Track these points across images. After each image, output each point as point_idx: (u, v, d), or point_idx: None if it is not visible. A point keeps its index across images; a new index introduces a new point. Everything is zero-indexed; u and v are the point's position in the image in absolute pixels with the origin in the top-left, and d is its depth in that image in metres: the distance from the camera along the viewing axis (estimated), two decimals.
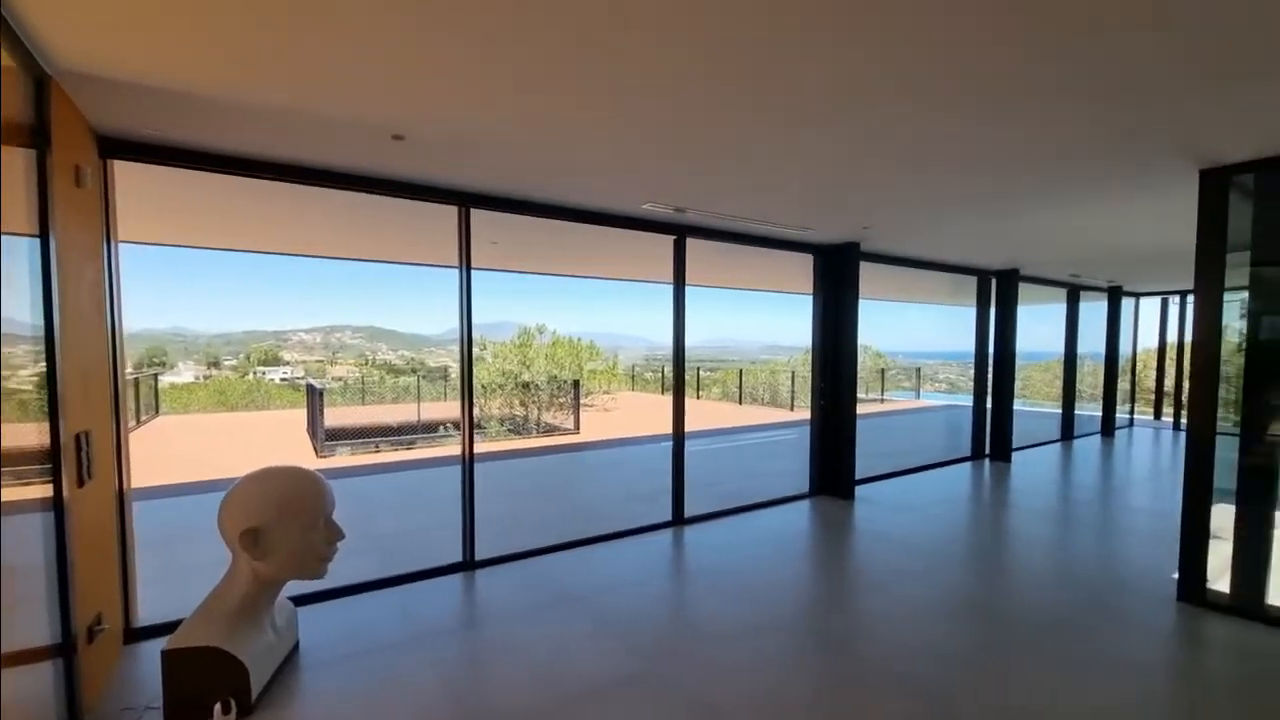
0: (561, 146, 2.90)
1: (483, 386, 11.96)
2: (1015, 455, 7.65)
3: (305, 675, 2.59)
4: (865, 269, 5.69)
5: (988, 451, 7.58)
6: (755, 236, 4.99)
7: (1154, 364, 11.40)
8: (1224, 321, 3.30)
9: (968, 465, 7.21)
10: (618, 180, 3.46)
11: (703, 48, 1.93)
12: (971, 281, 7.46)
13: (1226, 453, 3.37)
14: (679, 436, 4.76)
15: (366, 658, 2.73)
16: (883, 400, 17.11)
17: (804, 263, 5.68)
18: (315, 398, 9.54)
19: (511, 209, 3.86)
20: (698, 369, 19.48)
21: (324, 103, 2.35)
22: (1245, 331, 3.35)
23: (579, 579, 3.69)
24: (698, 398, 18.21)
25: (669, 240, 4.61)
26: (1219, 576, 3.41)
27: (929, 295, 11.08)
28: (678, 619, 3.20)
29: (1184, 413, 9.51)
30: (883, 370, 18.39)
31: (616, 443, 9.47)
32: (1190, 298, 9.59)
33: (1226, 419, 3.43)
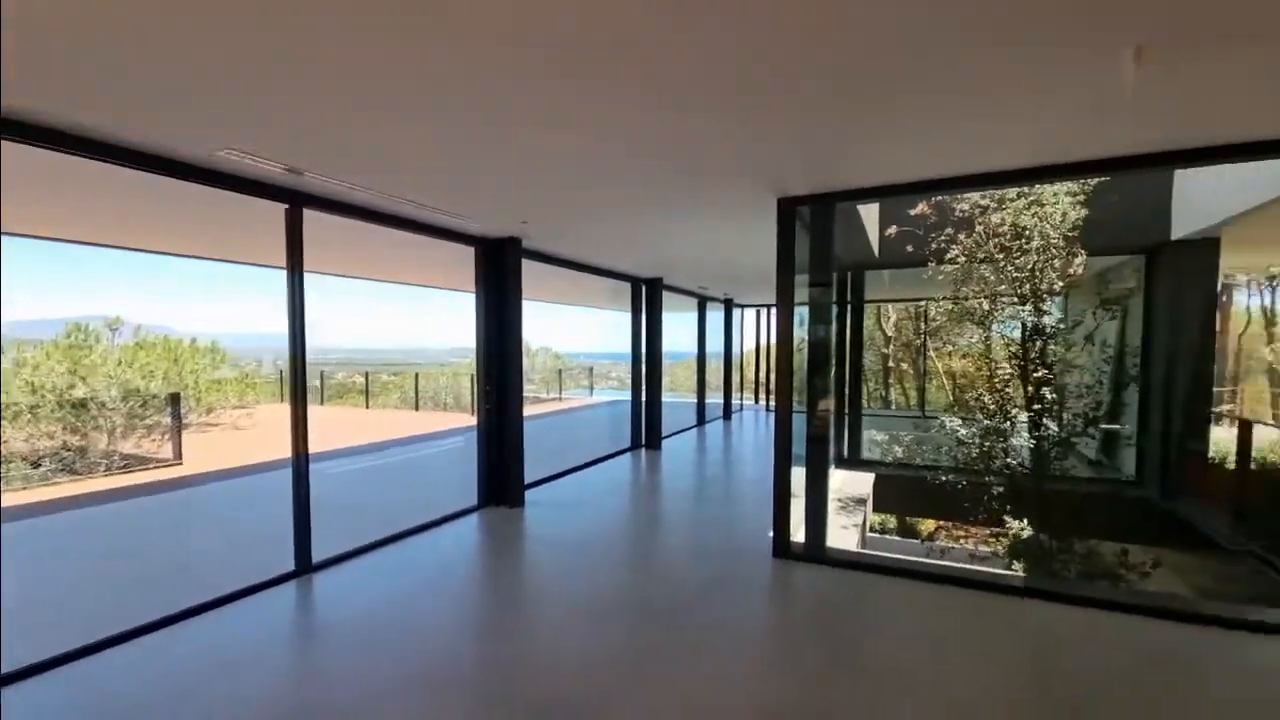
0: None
1: None
2: (665, 442, 8.72)
3: None
4: (533, 268, 5.66)
5: (644, 441, 8.45)
6: (405, 219, 4.30)
7: (754, 361, 14.74)
8: (795, 328, 4.13)
9: (628, 456, 7.86)
10: (172, 98, 2.35)
11: None
12: (627, 288, 8.19)
13: (802, 429, 4.24)
14: (301, 457, 3.74)
15: None
16: (561, 399, 18.01)
17: (470, 256, 5.25)
18: None
19: None
20: (366, 374, 17.25)
21: None
22: (806, 336, 4.28)
23: (149, 680, 2.53)
24: (367, 407, 16.09)
25: (280, 209, 3.57)
26: (798, 531, 4.26)
27: (598, 300, 11.97)
28: (288, 703, 2.37)
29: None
30: (560, 370, 19.40)
31: (237, 472, 7.32)
32: (775, 309, 12.69)
33: (800, 402, 4.32)
